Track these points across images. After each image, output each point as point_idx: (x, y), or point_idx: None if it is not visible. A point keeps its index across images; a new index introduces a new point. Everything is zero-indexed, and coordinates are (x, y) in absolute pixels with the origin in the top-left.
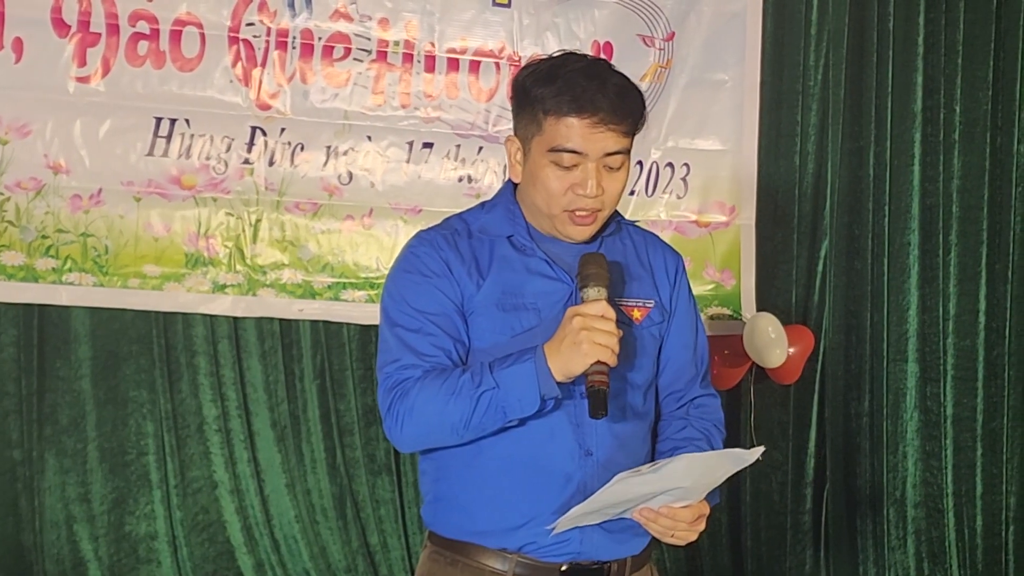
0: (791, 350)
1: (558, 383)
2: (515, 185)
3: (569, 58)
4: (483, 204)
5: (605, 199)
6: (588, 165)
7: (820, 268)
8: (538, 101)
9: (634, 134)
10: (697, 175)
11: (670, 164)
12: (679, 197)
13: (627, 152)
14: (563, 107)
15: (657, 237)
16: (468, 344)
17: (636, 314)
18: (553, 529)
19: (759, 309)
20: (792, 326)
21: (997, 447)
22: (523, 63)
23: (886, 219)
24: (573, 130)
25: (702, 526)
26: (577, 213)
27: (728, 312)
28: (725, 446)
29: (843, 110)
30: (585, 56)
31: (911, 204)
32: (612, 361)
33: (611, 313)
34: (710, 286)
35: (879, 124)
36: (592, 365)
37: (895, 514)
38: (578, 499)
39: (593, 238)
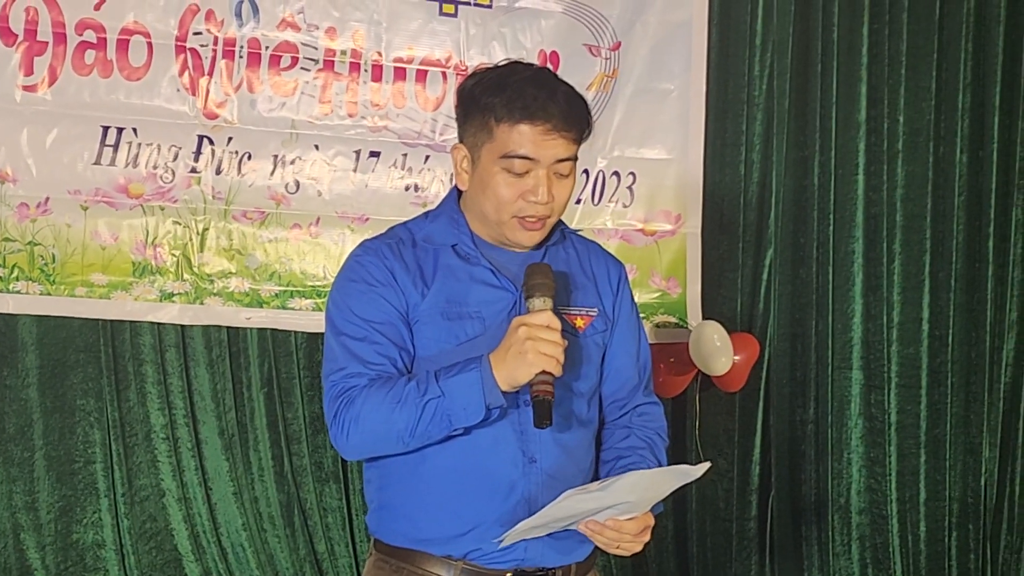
0: (736, 358)
1: (503, 392)
2: (459, 194)
3: (516, 67)
4: (427, 213)
5: (554, 205)
6: (539, 172)
7: (765, 276)
8: (488, 109)
9: (581, 142)
10: (643, 184)
11: (616, 173)
12: (625, 206)
13: (575, 159)
14: (515, 114)
15: (600, 246)
16: (413, 352)
17: (579, 323)
18: (501, 541)
19: (705, 317)
20: (737, 334)
21: (940, 454)
22: (470, 72)
23: (831, 228)
24: (525, 137)
25: (647, 537)
26: (527, 219)
27: (674, 320)
28: (670, 454)
29: (788, 120)
30: (531, 65)
31: (855, 213)
32: (557, 371)
33: (556, 323)
34: (656, 294)
35: (823, 134)
36: (537, 375)
37: (840, 520)
38: (522, 506)
39: (538, 247)
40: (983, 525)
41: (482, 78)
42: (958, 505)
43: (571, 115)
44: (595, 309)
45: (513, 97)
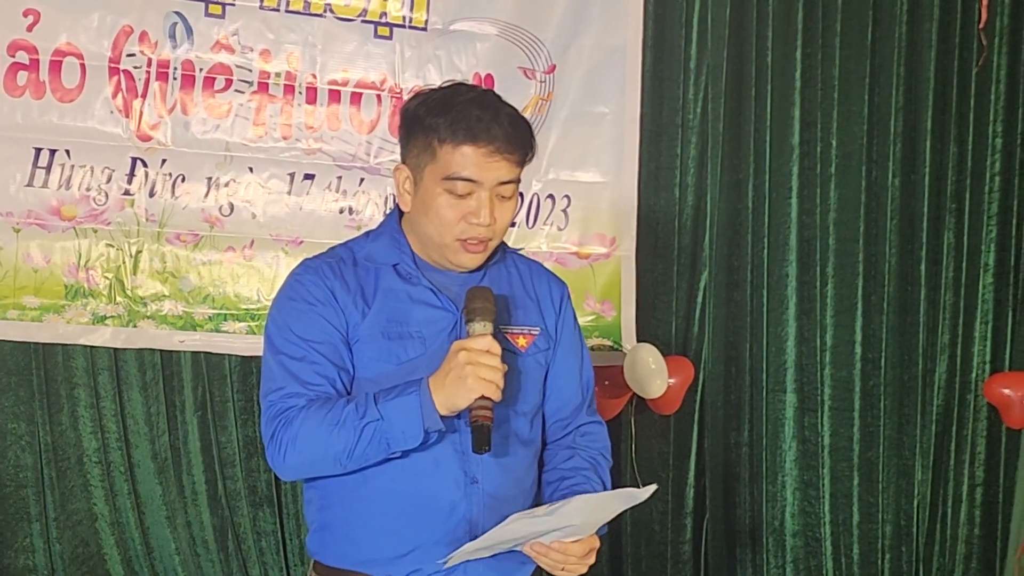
0: (671, 381)
1: (442, 416)
2: (400, 214)
3: (460, 88)
4: (368, 233)
5: (496, 228)
6: (482, 194)
7: (700, 299)
8: (432, 130)
9: (524, 164)
10: (578, 207)
11: (551, 196)
12: (560, 229)
13: (518, 182)
14: (459, 136)
15: (541, 266)
16: (352, 373)
17: (521, 341)
18: (445, 562)
19: (639, 340)
20: (672, 357)
21: (873, 476)
22: (405, 95)
23: (764, 251)
24: (468, 159)
25: (592, 559)
26: (469, 241)
27: (609, 343)
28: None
29: (722, 143)
30: (475, 87)
31: (789, 236)
32: (496, 396)
33: (496, 348)
34: (591, 317)
35: (757, 157)
36: (476, 400)
37: (774, 543)
38: (463, 526)
39: (478, 267)
40: (916, 547)
41: (426, 99)
42: (891, 528)
43: (515, 137)
44: (537, 328)
45: (457, 118)
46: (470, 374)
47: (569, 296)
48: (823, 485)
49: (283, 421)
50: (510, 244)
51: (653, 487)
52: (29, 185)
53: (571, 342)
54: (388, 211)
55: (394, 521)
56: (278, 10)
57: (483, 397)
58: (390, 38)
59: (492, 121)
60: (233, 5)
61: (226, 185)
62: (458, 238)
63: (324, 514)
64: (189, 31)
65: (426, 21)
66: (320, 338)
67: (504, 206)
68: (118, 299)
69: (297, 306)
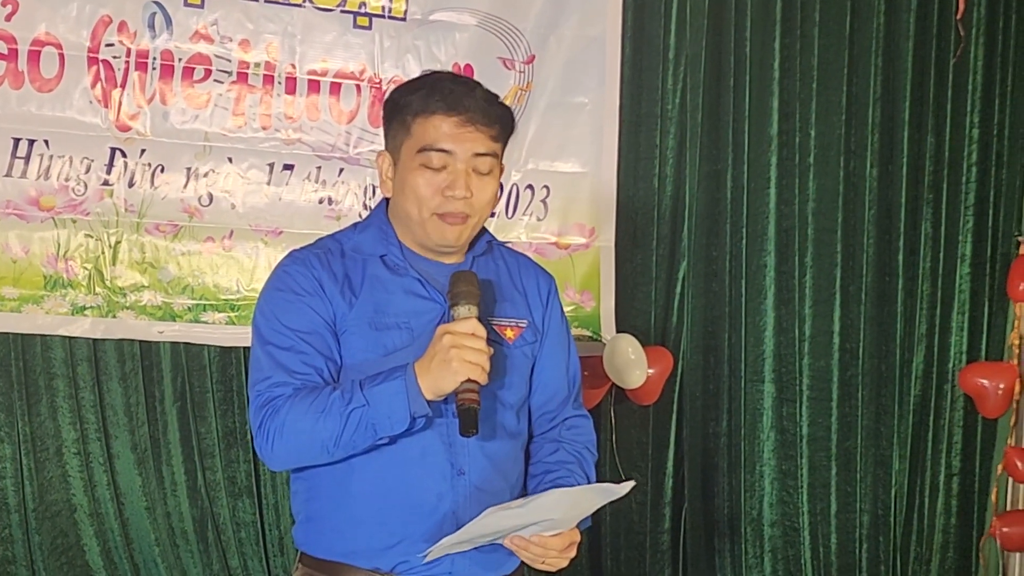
0: (650, 371)
1: (429, 401)
2: (387, 206)
3: (438, 72)
4: (356, 224)
5: (474, 203)
6: (457, 166)
7: (678, 289)
8: (407, 107)
9: (504, 141)
10: (557, 197)
11: (530, 186)
12: (539, 219)
13: (496, 158)
14: (431, 107)
15: (529, 259)
16: (340, 363)
17: (509, 333)
18: (425, 556)
19: (619, 330)
20: (651, 347)
21: (851, 466)
22: (384, 85)
23: (743, 241)
24: (441, 129)
25: (573, 553)
26: (447, 215)
27: (588, 333)
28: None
29: (701, 133)
30: (455, 73)
31: (767, 226)
32: (482, 379)
33: (481, 331)
34: (570, 308)
35: (736, 147)
36: (462, 383)
37: (752, 533)
38: (450, 519)
39: (465, 257)
40: (893, 537)
41: (405, 84)
42: (869, 517)
43: (489, 110)
44: (525, 320)
45: (430, 92)
46: (455, 357)
47: (556, 289)
48: (801, 475)
49: (270, 410)
50: None
51: (631, 484)
52: (8, 175)
53: (558, 335)
54: (368, 201)
55: (381, 513)
56: (257, 0)
57: (469, 380)
58: (369, 28)
59: (466, 94)
60: None
61: (205, 175)
62: (435, 212)
63: (311, 505)
64: (168, 21)
65: (405, 11)
66: (307, 328)
67: (482, 182)
68: (97, 290)
69: (285, 296)
